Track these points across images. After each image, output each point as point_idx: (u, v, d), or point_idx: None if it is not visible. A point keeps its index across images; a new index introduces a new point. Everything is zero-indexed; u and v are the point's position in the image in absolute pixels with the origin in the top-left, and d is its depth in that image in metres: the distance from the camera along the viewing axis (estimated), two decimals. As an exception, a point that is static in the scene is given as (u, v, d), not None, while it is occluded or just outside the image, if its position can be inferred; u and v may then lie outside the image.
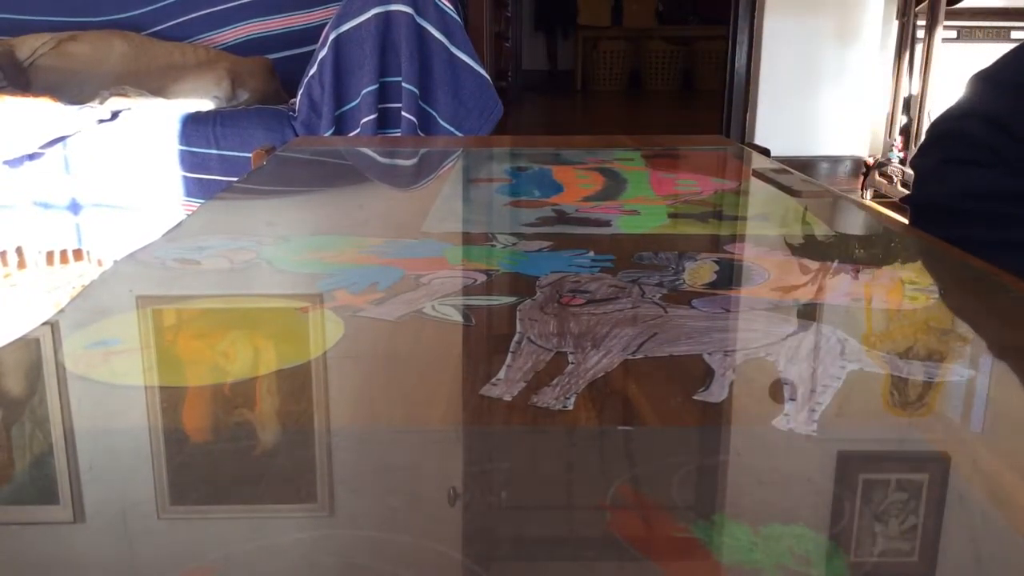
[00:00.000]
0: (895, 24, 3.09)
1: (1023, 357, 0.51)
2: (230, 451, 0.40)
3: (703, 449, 0.41)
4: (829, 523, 0.34)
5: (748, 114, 3.57)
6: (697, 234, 0.77)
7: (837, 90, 3.43)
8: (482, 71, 2.12)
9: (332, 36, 2.03)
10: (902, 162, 2.93)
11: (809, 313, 0.56)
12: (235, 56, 2.51)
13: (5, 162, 2.06)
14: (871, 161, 3.37)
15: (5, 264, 2.16)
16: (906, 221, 0.91)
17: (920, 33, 2.91)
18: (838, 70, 3.38)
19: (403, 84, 2.02)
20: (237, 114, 2.16)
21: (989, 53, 0.89)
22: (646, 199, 0.91)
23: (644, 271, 0.65)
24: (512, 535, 0.35)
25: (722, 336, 0.52)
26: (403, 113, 2.03)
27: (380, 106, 2.05)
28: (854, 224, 0.90)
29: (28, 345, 0.52)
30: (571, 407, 0.43)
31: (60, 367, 0.49)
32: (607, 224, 0.79)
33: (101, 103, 2.18)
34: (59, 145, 2.08)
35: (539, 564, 0.33)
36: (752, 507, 0.35)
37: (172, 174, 2.11)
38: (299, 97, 2.15)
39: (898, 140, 3.08)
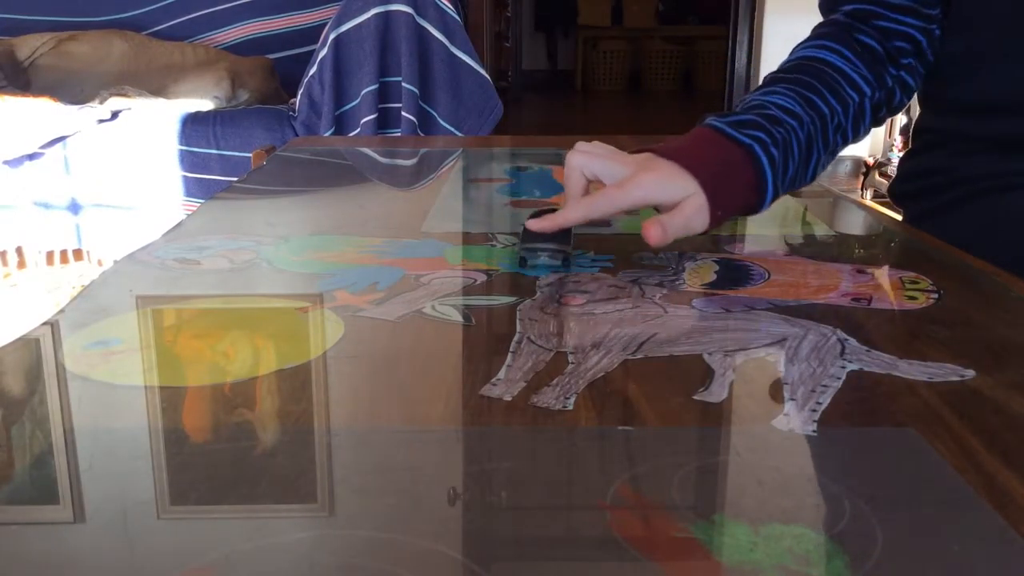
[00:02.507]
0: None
1: (1023, 357, 0.51)
2: (230, 451, 0.40)
3: (703, 449, 0.41)
4: (829, 523, 0.34)
5: (748, 114, 3.56)
6: (697, 234, 0.77)
7: (837, 90, 3.43)
8: (482, 71, 2.12)
9: (332, 36, 2.03)
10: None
11: (809, 313, 0.56)
12: (235, 56, 2.51)
13: (5, 162, 2.06)
14: (871, 161, 3.37)
15: (5, 264, 2.16)
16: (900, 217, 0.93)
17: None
18: (838, 70, 3.37)
19: (403, 84, 2.02)
20: (237, 114, 2.16)
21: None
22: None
23: (644, 271, 0.65)
24: (512, 535, 0.35)
25: (722, 336, 0.52)
26: (403, 113, 2.03)
27: (380, 106, 2.05)
28: (854, 224, 0.90)
29: (28, 345, 0.52)
30: (571, 407, 0.43)
31: (60, 367, 0.49)
32: (607, 224, 0.79)
33: (101, 103, 2.18)
34: (59, 145, 2.08)
35: (539, 564, 0.33)
36: (752, 507, 0.35)
37: (172, 174, 2.11)
38: (299, 97, 2.15)
39: (898, 140, 3.08)
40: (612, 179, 0.67)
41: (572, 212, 0.67)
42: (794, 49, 0.81)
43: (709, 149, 0.67)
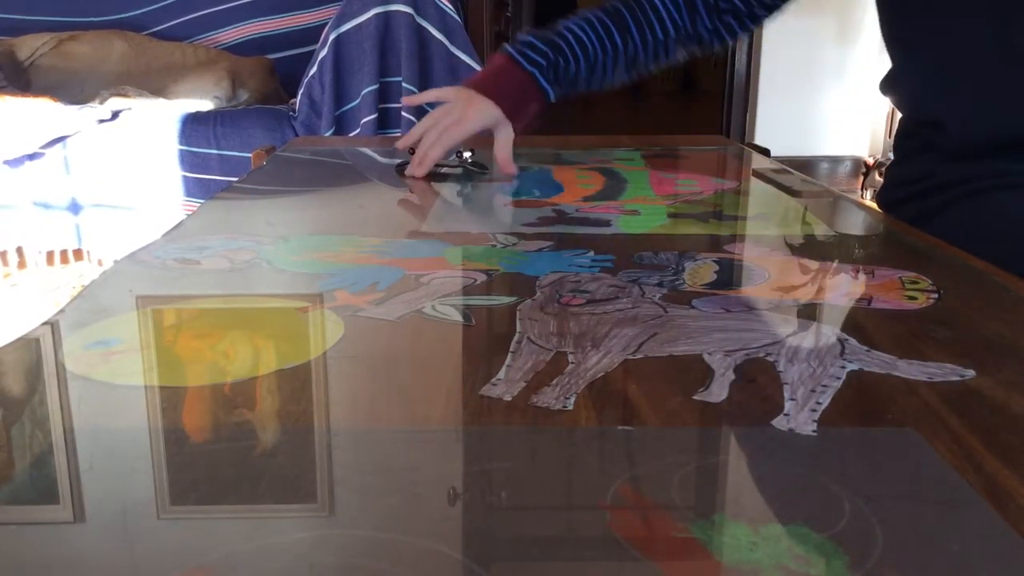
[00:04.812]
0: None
1: (1023, 357, 0.51)
2: (230, 451, 0.40)
3: (703, 449, 0.41)
4: (829, 523, 0.34)
5: (748, 114, 3.57)
6: (697, 234, 0.77)
7: (837, 90, 3.43)
8: (482, 71, 2.12)
9: (332, 36, 2.04)
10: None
11: (809, 313, 0.56)
12: (235, 56, 2.51)
13: (5, 162, 2.06)
14: (871, 161, 3.37)
15: (5, 264, 2.16)
16: None
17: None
18: (838, 70, 3.38)
19: (403, 84, 2.02)
20: (237, 114, 2.16)
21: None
22: (646, 199, 0.91)
23: (644, 271, 0.65)
24: (512, 535, 0.35)
25: (722, 336, 0.52)
26: (403, 113, 2.03)
27: (380, 106, 2.05)
28: (854, 224, 0.90)
29: (28, 345, 0.52)
30: (571, 407, 0.43)
31: (60, 367, 0.49)
32: (607, 224, 0.79)
33: (101, 103, 2.18)
34: (59, 145, 2.08)
35: (539, 564, 0.33)
36: (752, 507, 0.35)
37: (172, 174, 2.11)
38: (299, 97, 2.15)
39: (898, 140, 3.07)
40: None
41: (433, 151, 0.99)
42: None
43: (506, 80, 1.01)
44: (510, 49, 1.02)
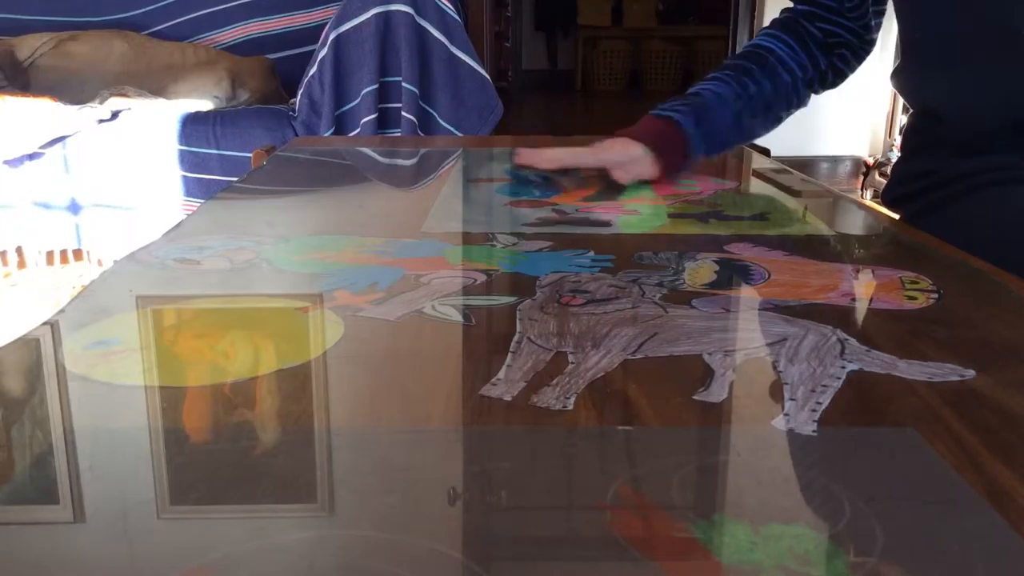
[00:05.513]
0: (895, 24, 3.09)
1: (1023, 357, 0.51)
2: (230, 451, 0.40)
3: (703, 449, 0.41)
4: (829, 523, 0.34)
5: (748, 114, 3.56)
6: (697, 234, 0.77)
7: (837, 90, 3.43)
8: (482, 71, 2.12)
9: (332, 36, 2.03)
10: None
11: (809, 313, 0.56)
12: (235, 56, 2.51)
13: (5, 162, 2.06)
14: (871, 161, 3.37)
15: (5, 264, 2.16)
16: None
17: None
18: (838, 70, 3.37)
19: (403, 84, 2.02)
20: (237, 114, 2.16)
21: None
22: (646, 199, 0.91)
23: (644, 271, 0.65)
24: (512, 535, 0.35)
25: (722, 336, 0.52)
26: (403, 113, 2.03)
27: (380, 106, 2.05)
28: (854, 224, 0.90)
29: (28, 345, 0.52)
30: (571, 407, 0.43)
31: (60, 367, 0.49)
32: (607, 224, 0.79)
33: (101, 103, 2.18)
34: (59, 145, 2.08)
35: (539, 564, 0.33)
36: (752, 507, 0.35)
37: (172, 174, 2.11)
38: (299, 97, 2.15)
39: (898, 140, 3.07)
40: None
41: (564, 157, 0.97)
42: (757, 35, 1.04)
43: (646, 125, 0.97)
44: (651, 111, 0.98)
